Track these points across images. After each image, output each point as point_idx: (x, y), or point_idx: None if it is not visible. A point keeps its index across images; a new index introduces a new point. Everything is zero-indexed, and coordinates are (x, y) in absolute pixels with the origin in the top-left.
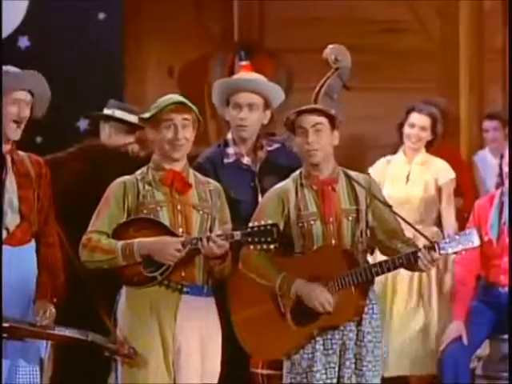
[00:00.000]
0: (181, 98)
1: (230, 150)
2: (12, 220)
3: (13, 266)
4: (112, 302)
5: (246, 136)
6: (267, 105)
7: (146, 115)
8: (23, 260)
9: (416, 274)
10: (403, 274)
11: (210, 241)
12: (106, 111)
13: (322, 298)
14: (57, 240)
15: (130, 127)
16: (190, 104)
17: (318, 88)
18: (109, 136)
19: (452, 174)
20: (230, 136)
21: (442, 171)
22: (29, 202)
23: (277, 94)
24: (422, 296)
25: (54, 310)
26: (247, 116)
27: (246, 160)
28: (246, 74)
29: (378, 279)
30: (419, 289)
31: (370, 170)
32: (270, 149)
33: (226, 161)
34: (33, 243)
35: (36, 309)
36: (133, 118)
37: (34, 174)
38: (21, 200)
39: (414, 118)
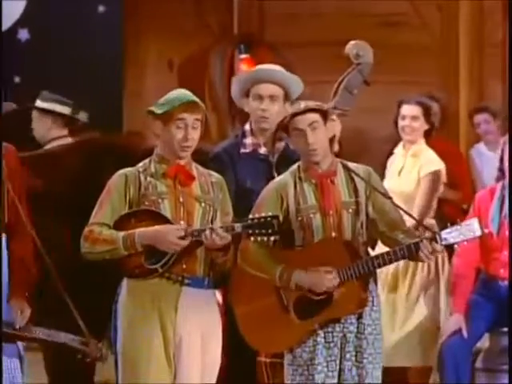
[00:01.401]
0: (193, 97)
1: (248, 141)
2: None
3: None
4: (113, 293)
5: (267, 127)
6: (287, 97)
7: (159, 111)
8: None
9: (415, 264)
10: (404, 265)
11: (212, 233)
12: (48, 105)
13: (324, 283)
14: (28, 233)
15: (66, 120)
16: (201, 103)
17: (337, 83)
18: (49, 129)
19: (433, 167)
20: (247, 127)
21: (425, 163)
22: None
23: (297, 85)
24: (423, 288)
25: (29, 308)
26: (269, 107)
27: (263, 150)
28: (267, 65)
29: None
30: (420, 280)
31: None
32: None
33: (242, 151)
34: (2, 238)
35: (13, 309)
36: (67, 111)
37: (6, 166)
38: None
39: (404, 109)
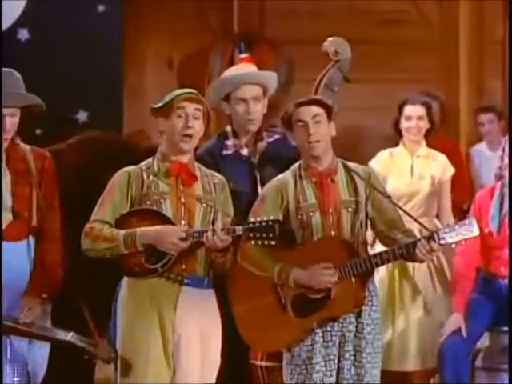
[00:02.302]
0: (193, 91)
1: (229, 142)
2: (4, 219)
3: (4, 260)
4: (113, 292)
5: (253, 129)
6: (265, 93)
7: (159, 104)
8: (14, 255)
9: (421, 265)
10: (409, 265)
11: (214, 235)
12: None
13: (323, 279)
14: (57, 236)
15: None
16: (201, 97)
17: (317, 80)
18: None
19: (452, 170)
20: (228, 128)
21: (446, 167)
22: (24, 200)
23: (274, 81)
24: (428, 289)
25: (39, 307)
26: (254, 109)
27: (245, 151)
28: (243, 68)
29: (384, 272)
30: (425, 282)
31: (372, 163)
32: (269, 140)
33: (224, 152)
34: (27, 240)
35: (22, 304)
36: None
37: (36, 170)
38: (14, 197)
39: (409, 110)
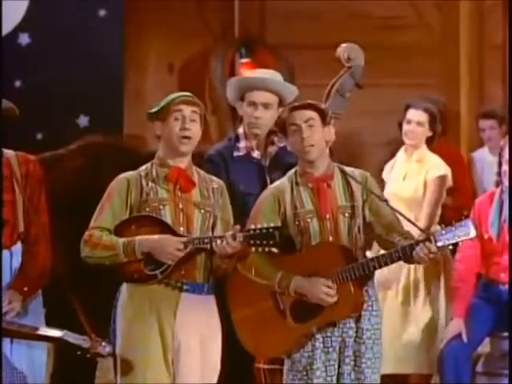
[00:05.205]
0: (189, 94)
1: (241, 144)
2: None
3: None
4: (112, 298)
5: (258, 133)
6: (281, 103)
7: (155, 109)
8: (8, 262)
9: (420, 271)
10: (408, 270)
11: (223, 241)
12: None
13: (322, 292)
14: (44, 239)
15: None
16: (197, 100)
17: (329, 86)
18: None
19: (441, 172)
20: (241, 130)
21: (432, 167)
22: (8, 206)
23: (290, 91)
24: (430, 293)
25: (19, 303)
26: (261, 115)
27: (256, 154)
28: (262, 72)
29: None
30: (427, 286)
31: (387, 167)
32: (280, 145)
33: (236, 154)
34: (10, 250)
35: (3, 297)
36: None
37: (20, 174)
38: (1, 205)
39: (411, 113)
